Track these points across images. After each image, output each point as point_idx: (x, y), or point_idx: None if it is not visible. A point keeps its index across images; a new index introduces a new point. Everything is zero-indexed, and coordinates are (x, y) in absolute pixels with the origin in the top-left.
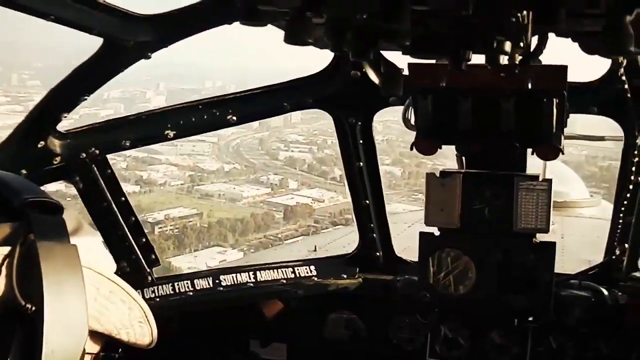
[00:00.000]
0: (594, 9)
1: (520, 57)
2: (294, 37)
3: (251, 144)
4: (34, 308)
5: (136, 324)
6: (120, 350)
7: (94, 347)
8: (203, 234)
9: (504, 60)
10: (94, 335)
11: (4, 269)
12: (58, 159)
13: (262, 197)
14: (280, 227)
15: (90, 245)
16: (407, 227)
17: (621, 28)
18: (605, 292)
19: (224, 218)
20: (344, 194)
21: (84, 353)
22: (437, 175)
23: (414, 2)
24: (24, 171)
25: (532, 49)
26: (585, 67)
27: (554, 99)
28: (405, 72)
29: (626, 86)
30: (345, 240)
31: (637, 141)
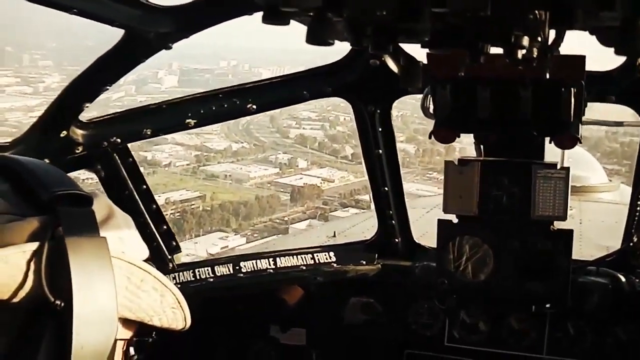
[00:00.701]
0: (610, 11)
1: (537, 51)
2: (315, 38)
3: (262, 121)
4: (63, 304)
5: (169, 310)
6: (154, 334)
7: (126, 334)
8: (204, 219)
9: (521, 53)
10: (127, 322)
11: (32, 264)
12: (80, 148)
13: (270, 178)
14: (287, 210)
15: (121, 234)
16: (426, 212)
17: (636, 31)
18: (623, 279)
19: (226, 201)
20: (355, 173)
21: (116, 341)
22: (456, 163)
23: (434, 4)
24: (47, 160)
25: (549, 42)
26: (604, 55)
27: (572, 88)
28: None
29: None
30: (363, 225)
31: None
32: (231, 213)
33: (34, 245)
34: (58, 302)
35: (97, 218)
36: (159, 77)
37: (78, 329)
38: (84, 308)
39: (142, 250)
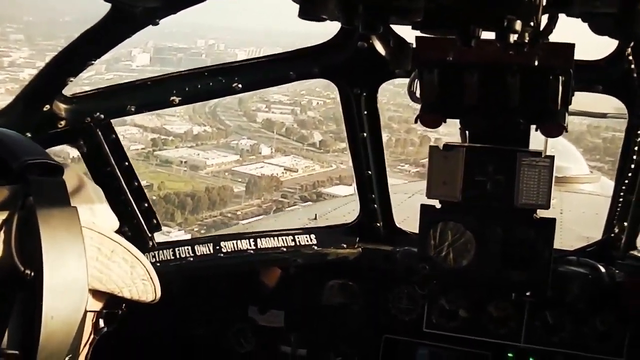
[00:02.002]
0: None
1: (529, 36)
2: (308, 13)
3: (230, 103)
4: (33, 273)
5: (139, 281)
6: (124, 306)
7: (96, 305)
8: None
9: (512, 38)
10: (97, 293)
11: (2, 234)
12: (63, 122)
13: (229, 166)
14: (241, 203)
15: (92, 204)
16: (407, 197)
17: (635, 12)
18: (603, 270)
19: (172, 193)
20: (321, 162)
21: (86, 312)
22: (441, 148)
23: None
24: (28, 134)
25: (541, 28)
26: (592, 45)
27: (560, 77)
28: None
29: (632, 66)
30: (345, 209)
31: None
32: (177, 206)
33: (4, 214)
34: (28, 271)
35: (67, 188)
36: (132, 55)
37: (48, 299)
38: (54, 278)
39: (113, 221)
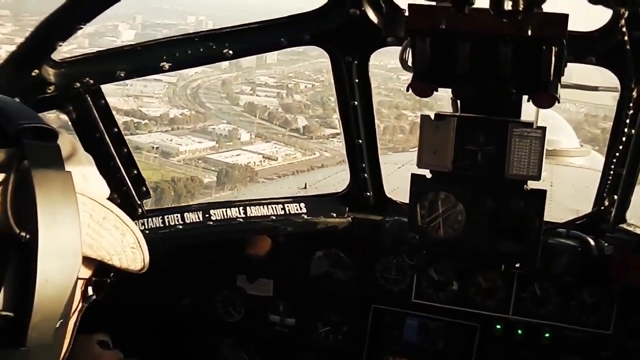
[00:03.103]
0: None
1: (523, 4)
2: None
3: (214, 85)
4: (28, 236)
5: (129, 249)
6: (112, 274)
7: (86, 273)
8: None
9: (507, 6)
10: (87, 260)
11: None
12: (52, 87)
13: (203, 153)
14: (212, 195)
15: (84, 171)
16: (397, 168)
17: None
18: (592, 243)
19: None
20: (303, 150)
21: (76, 279)
22: (432, 117)
23: None
24: (17, 99)
25: None
26: (585, 17)
27: (553, 47)
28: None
29: (626, 38)
30: (335, 178)
31: (633, 93)
32: None
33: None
34: (23, 234)
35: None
36: (118, 31)
37: (43, 261)
38: (49, 241)
39: (104, 189)
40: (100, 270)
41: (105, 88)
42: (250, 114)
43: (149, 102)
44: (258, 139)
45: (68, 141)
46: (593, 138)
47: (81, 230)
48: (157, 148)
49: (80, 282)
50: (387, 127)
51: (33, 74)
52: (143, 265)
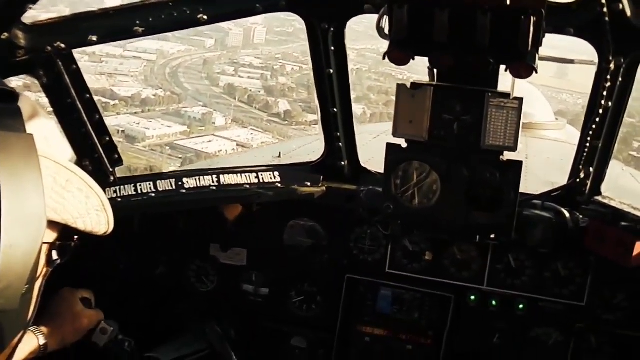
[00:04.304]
0: None
1: None
2: None
3: (195, 64)
4: None
5: (93, 212)
6: (76, 238)
7: (50, 237)
8: None
9: None
10: (51, 224)
11: None
12: (22, 52)
13: (172, 138)
14: None
15: (46, 133)
16: (373, 138)
17: None
18: (567, 215)
19: None
20: (283, 137)
21: (41, 243)
22: (408, 86)
23: None
24: None
25: None
26: None
27: (532, 17)
28: None
29: (605, 9)
30: (310, 148)
31: (611, 66)
32: None
33: None
34: None
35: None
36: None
37: (7, 227)
38: (12, 206)
39: (67, 151)
40: (64, 234)
41: (81, 64)
42: (230, 96)
43: (123, 81)
44: (234, 124)
45: (29, 103)
46: None
47: (45, 194)
48: (122, 132)
49: (45, 247)
50: (373, 115)
51: (2, 37)
52: (107, 228)
